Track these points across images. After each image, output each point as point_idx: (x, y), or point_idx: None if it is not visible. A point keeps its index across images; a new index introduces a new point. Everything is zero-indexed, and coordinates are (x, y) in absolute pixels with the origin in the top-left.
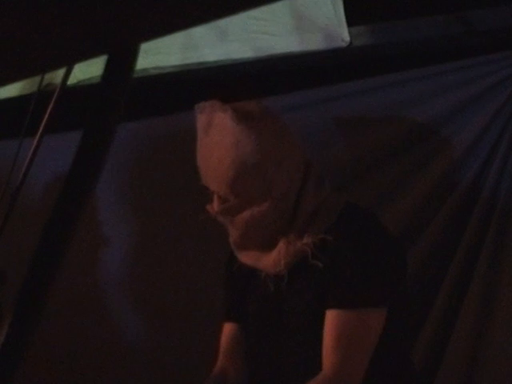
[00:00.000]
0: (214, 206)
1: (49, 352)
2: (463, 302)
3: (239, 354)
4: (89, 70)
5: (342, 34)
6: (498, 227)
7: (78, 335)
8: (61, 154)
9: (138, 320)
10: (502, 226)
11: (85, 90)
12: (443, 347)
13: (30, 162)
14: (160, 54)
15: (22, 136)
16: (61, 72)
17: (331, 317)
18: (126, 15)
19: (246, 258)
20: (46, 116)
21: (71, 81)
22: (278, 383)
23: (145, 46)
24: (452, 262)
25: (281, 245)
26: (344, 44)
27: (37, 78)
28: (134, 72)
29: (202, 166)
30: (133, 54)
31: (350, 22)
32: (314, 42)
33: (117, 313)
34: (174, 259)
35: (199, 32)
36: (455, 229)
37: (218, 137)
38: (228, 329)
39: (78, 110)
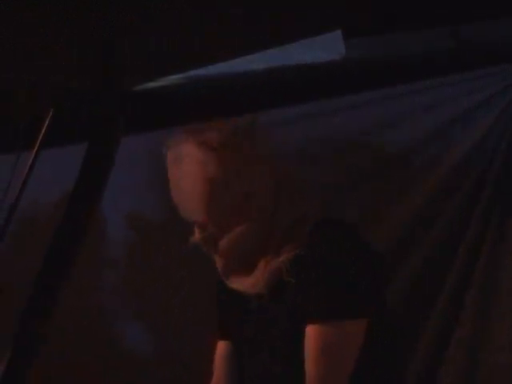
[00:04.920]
0: (196, 237)
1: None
2: (461, 312)
3: (232, 372)
4: None
5: (338, 47)
6: (493, 241)
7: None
8: (61, 168)
9: (136, 333)
10: (498, 241)
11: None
12: (441, 355)
13: (27, 176)
14: None
15: (19, 150)
16: None
17: (309, 332)
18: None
19: (233, 283)
20: (43, 131)
21: None
22: None
23: None
24: (449, 273)
25: (260, 265)
26: (339, 56)
27: None
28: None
29: (177, 199)
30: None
31: (345, 34)
32: (308, 55)
33: (115, 325)
34: (171, 271)
35: None
36: (452, 240)
37: (187, 166)
38: (221, 347)
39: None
